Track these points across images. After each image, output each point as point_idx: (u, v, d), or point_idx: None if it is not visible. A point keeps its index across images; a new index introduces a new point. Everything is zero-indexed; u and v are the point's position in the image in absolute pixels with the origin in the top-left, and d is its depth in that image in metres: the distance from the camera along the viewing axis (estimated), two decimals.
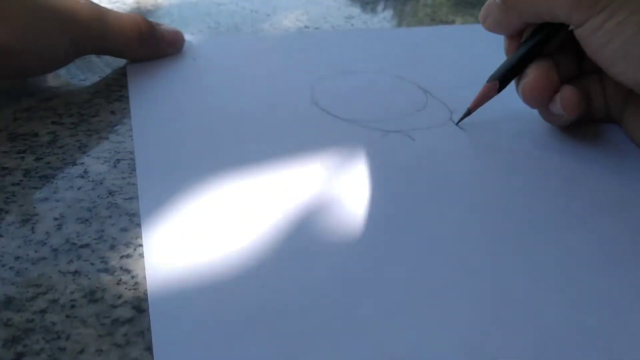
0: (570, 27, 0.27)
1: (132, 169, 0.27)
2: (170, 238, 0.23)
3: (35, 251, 0.22)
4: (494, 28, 0.31)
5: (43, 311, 0.20)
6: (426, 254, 0.23)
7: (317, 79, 0.36)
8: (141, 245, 0.23)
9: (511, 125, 0.32)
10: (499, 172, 0.28)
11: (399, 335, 0.19)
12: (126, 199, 0.25)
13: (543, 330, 0.20)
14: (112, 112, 0.32)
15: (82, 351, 0.18)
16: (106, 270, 0.22)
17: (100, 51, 0.35)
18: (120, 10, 0.48)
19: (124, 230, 0.24)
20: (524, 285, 0.21)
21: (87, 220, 0.24)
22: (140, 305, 0.20)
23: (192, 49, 0.40)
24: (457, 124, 0.31)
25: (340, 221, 0.24)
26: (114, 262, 0.22)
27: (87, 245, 0.23)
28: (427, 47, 0.42)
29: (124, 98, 0.34)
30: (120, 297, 0.20)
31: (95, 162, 0.28)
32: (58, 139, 0.30)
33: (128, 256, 0.22)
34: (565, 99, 0.28)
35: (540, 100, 0.29)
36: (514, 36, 0.31)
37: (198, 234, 0.23)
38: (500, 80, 0.30)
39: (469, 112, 0.31)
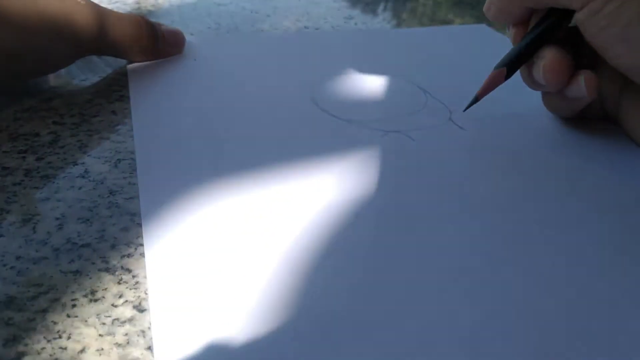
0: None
1: (133, 169, 0.27)
2: (171, 238, 0.23)
3: (37, 251, 0.22)
4: (498, 16, 0.31)
5: (44, 310, 0.20)
6: (426, 253, 0.23)
7: (317, 79, 0.36)
8: (142, 245, 0.23)
9: (511, 125, 0.32)
10: (498, 171, 0.28)
11: (399, 335, 0.19)
12: (127, 199, 0.25)
13: (543, 330, 0.20)
14: (113, 112, 0.32)
15: (83, 350, 0.18)
16: (107, 270, 0.22)
17: (101, 52, 0.35)
18: (120, 11, 0.48)
19: (125, 230, 0.24)
20: (524, 285, 0.21)
21: (88, 220, 0.24)
22: (141, 305, 0.20)
23: (192, 49, 0.40)
24: (464, 110, 0.31)
25: (340, 221, 0.24)
26: (115, 261, 0.22)
27: (88, 245, 0.23)
28: (427, 47, 0.42)
29: (124, 98, 0.34)
30: (121, 296, 0.21)
31: (96, 162, 0.28)
32: (59, 139, 0.30)
33: (129, 256, 0.22)
34: (589, 80, 0.28)
35: (560, 81, 0.29)
36: (520, 24, 0.31)
37: (199, 234, 0.23)
38: (508, 66, 0.30)
39: (476, 99, 0.30)
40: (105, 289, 0.21)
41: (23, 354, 0.18)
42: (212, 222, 0.24)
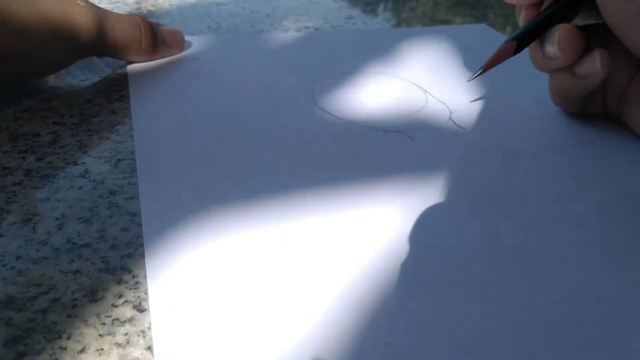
0: None
1: (133, 169, 0.27)
2: (171, 238, 0.23)
3: (37, 251, 0.22)
4: None
5: (44, 311, 0.20)
6: (426, 253, 0.23)
7: (317, 79, 0.36)
8: (142, 245, 0.23)
9: (511, 125, 0.32)
10: (499, 171, 0.28)
11: (399, 334, 0.19)
12: (127, 199, 0.25)
13: (545, 331, 0.20)
14: (113, 112, 0.32)
15: (83, 350, 0.18)
16: (107, 270, 0.22)
17: (100, 53, 0.35)
18: (120, 11, 0.48)
19: (125, 230, 0.24)
20: (525, 285, 0.21)
21: (88, 220, 0.24)
22: (141, 305, 0.20)
23: (192, 49, 0.40)
24: (468, 80, 0.31)
25: (339, 221, 0.24)
26: (115, 261, 0.22)
27: (88, 245, 0.23)
28: (427, 47, 0.42)
29: (124, 98, 0.34)
30: (121, 296, 0.21)
31: (96, 162, 0.28)
32: (59, 139, 0.30)
33: (129, 256, 0.22)
34: (604, 55, 0.28)
35: (575, 52, 0.29)
36: (533, 5, 0.31)
37: (199, 233, 0.23)
38: (519, 40, 0.29)
39: (482, 71, 0.30)
40: (105, 289, 0.21)
41: (23, 354, 0.18)
42: (212, 222, 0.24)
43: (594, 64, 0.29)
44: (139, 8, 0.50)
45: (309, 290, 0.21)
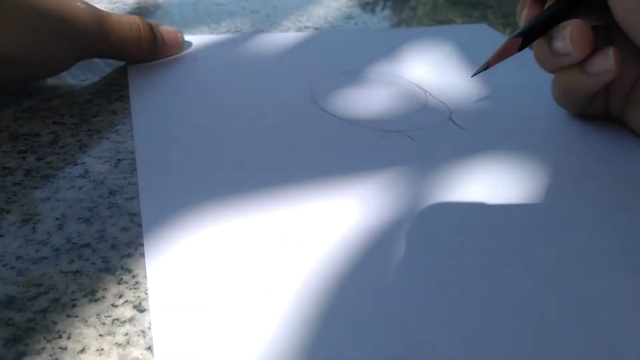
0: None
1: (133, 169, 0.27)
2: (171, 238, 0.23)
3: (37, 251, 0.22)
4: None
5: (44, 310, 0.20)
6: (426, 253, 0.23)
7: (317, 79, 0.36)
8: (142, 245, 0.23)
9: (511, 125, 0.32)
10: (499, 171, 0.28)
11: (399, 334, 0.19)
12: (127, 199, 0.25)
13: (543, 330, 0.20)
14: (113, 112, 0.32)
15: (83, 350, 0.18)
16: (107, 270, 0.22)
17: (100, 55, 0.36)
18: (120, 11, 0.48)
19: (125, 230, 0.24)
20: (525, 285, 0.21)
21: (88, 220, 0.24)
22: (141, 305, 0.20)
23: (192, 49, 0.40)
24: (472, 76, 0.31)
25: (339, 221, 0.24)
26: (115, 261, 0.22)
27: (88, 245, 0.23)
28: (427, 47, 0.42)
29: (124, 98, 0.34)
30: (121, 296, 0.21)
31: (96, 162, 0.28)
32: (59, 139, 0.30)
33: (129, 256, 0.22)
34: (617, 52, 0.28)
35: (587, 48, 0.28)
36: (536, 2, 0.31)
37: (199, 234, 0.23)
38: (524, 37, 0.29)
39: (487, 66, 0.30)
40: (105, 289, 0.21)
41: (23, 354, 0.18)
42: (212, 222, 0.24)
43: (607, 61, 0.28)
44: (139, 8, 0.50)
45: (309, 290, 0.21)
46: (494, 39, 0.45)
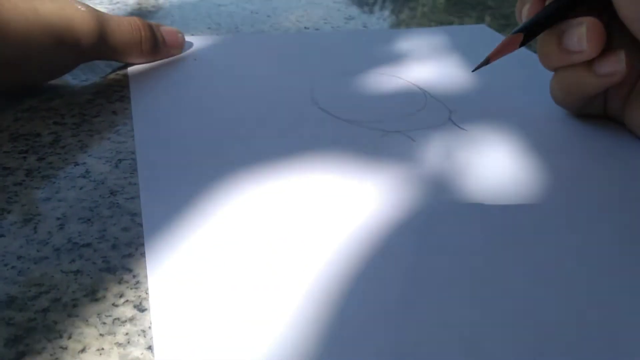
0: None
1: (134, 169, 0.27)
2: (171, 237, 0.23)
3: (38, 250, 0.22)
4: None
5: (45, 310, 0.20)
6: (426, 253, 0.23)
7: (317, 79, 0.36)
8: (143, 245, 0.23)
9: (511, 124, 0.32)
10: (499, 171, 0.28)
11: (399, 334, 0.19)
12: (128, 199, 0.25)
13: (543, 331, 0.20)
14: (114, 112, 0.32)
15: (83, 350, 0.18)
16: (108, 270, 0.22)
17: (101, 57, 0.36)
18: (121, 11, 0.48)
19: (126, 229, 0.24)
20: (526, 285, 0.21)
21: (89, 219, 0.24)
22: (141, 305, 0.20)
23: (192, 50, 0.40)
24: (473, 71, 0.30)
25: (339, 221, 0.24)
26: (116, 261, 0.22)
27: (89, 245, 0.23)
28: (426, 47, 0.42)
29: (125, 98, 0.34)
30: (121, 296, 0.21)
31: (97, 162, 0.28)
32: (60, 139, 0.30)
33: (130, 255, 0.22)
34: (627, 56, 0.28)
35: (600, 47, 0.28)
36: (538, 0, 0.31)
37: (199, 234, 0.23)
38: (526, 32, 0.29)
39: (487, 61, 0.30)
40: (106, 288, 0.21)
41: (23, 353, 0.18)
42: (212, 222, 0.24)
43: (619, 63, 0.28)
44: (139, 9, 0.50)
45: (309, 291, 0.21)
46: (493, 39, 0.45)
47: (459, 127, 0.31)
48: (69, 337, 0.19)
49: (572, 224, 0.25)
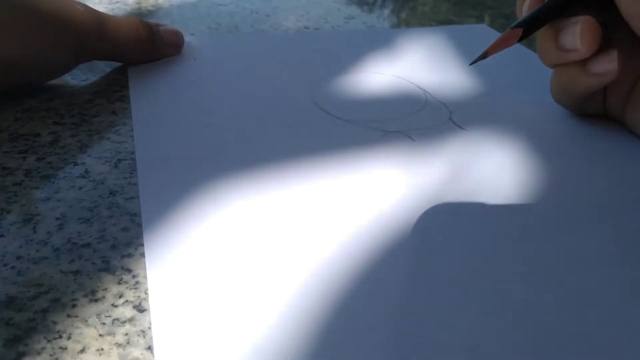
0: None
1: (133, 169, 0.27)
2: (171, 237, 0.23)
3: (37, 251, 0.22)
4: None
5: (44, 310, 0.20)
6: (426, 254, 0.23)
7: (317, 79, 0.36)
8: (142, 245, 0.23)
9: (511, 124, 0.32)
10: (499, 171, 0.28)
11: (399, 334, 0.19)
12: (127, 199, 0.25)
13: (543, 330, 0.20)
14: (113, 112, 0.32)
15: (83, 350, 0.18)
16: (107, 270, 0.22)
17: (100, 57, 0.36)
18: (121, 11, 0.48)
19: (125, 230, 0.24)
20: (526, 285, 0.21)
21: (88, 220, 0.24)
22: (141, 305, 0.20)
23: (192, 50, 0.40)
24: (470, 64, 0.30)
25: (339, 221, 0.24)
26: (115, 261, 0.22)
27: (88, 245, 0.23)
28: (427, 47, 0.42)
29: (125, 98, 0.34)
30: (121, 296, 0.21)
31: (96, 162, 0.28)
32: (59, 139, 0.30)
33: (129, 256, 0.22)
34: (620, 56, 0.28)
35: (594, 46, 0.28)
36: None
37: (199, 234, 0.23)
38: (525, 28, 0.29)
39: (484, 55, 0.29)
40: (106, 289, 0.21)
41: (23, 354, 0.18)
42: (212, 222, 0.24)
43: (611, 63, 0.28)
44: (139, 8, 0.50)
45: (310, 291, 0.21)
46: (493, 39, 0.45)
47: (459, 127, 0.31)
48: (69, 338, 0.19)
49: (572, 224, 0.25)
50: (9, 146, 0.29)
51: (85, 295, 0.20)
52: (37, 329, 0.19)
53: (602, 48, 0.29)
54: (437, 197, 0.26)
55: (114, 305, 0.20)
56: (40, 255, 0.22)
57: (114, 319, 0.20)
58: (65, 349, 0.18)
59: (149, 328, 0.19)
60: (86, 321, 0.19)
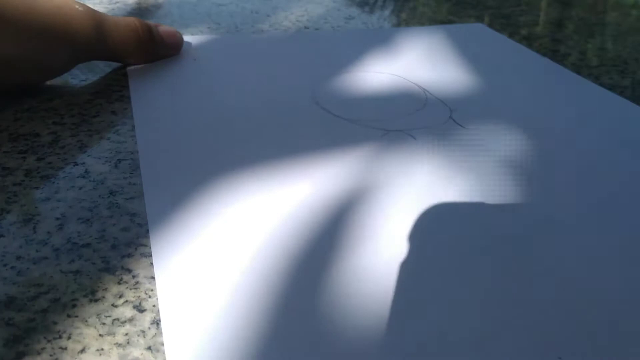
0: None
1: (133, 169, 0.27)
2: (176, 237, 0.23)
3: (37, 251, 0.22)
4: None
5: (44, 311, 0.20)
6: (427, 253, 0.23)
7: (318, 79, 0.36)
8: (142, 245, 0.23)
9: (512, 123, 0.32)
10: (499, 170, 0.28)
11: (400, 334, 0.19)
12: (127, 199, 0.25)
13: (543, 330, 0.20)
14: (113, 112, 0.32)
15: (83, 350, 0.18)
16: (107, 270, 0.22)
17: (99, 57, 0.36)
18: (121, 11, 0.48)
19: (125, 230, 0.24)
20: (524, 284, 0.21)
21: (88, 220, 0.24)
22: (141, 305, 0.20)
23: (192, 49, 0.40)
24: None
25: (341, 220, 0.24)
26: (115, 261, 0.22)
27: (88, 245, 0.23)
28: (427, 46, 0.42)
29: (124, 98, 0.34)
30: (121, 296, 0.20)
31: (96, 162, 0.28)
32: (59, 139, 0.30)
33: (129, 256, 0.22)
34: None
35: None
36: None
37: (202, 232, 0.23)
38: None
39: None
40: (106, 289, 0.21)
41: (23, 354, 0.18)
42: (216, 222, 0.24)
43: None
44: (139, 8, 0.50)
45: (314, 289, 0.21)
46: (492, 38, 0.45)
47: (460, 125, 0.31)
48: (69, 338, 0.19)
49: (572, 223, 0.25)
50: (9, 146, 0.29)
51: (85, 295, 0.20)
52: (37, 329, 0.19)
53: None
54: (438, 195, 0.26)
55: (114, 305, 0.20)
56: (40, 255, 0.22)
57: (114, 319, 0.20)
58: (65, 349, 0.18)
59: (149, 328, 0.19)
60: (86, 321, 0.19)
